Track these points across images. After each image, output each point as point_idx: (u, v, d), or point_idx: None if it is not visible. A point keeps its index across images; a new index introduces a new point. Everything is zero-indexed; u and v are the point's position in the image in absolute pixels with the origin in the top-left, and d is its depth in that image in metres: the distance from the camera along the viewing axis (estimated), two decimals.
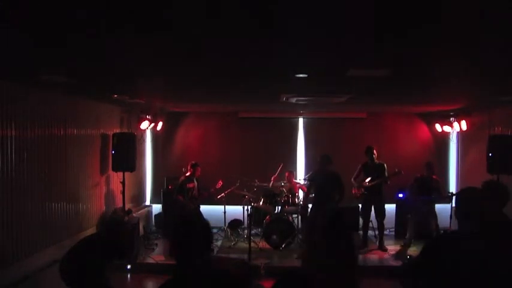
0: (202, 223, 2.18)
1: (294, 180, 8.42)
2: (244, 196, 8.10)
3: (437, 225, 7.16)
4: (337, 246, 3.06)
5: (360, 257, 7.36)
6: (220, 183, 7.84)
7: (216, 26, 2.58)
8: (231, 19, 2.42)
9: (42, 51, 3.32)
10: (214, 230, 8.61)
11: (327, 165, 7.17)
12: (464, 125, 8.08)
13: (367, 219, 7.77)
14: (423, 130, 9.47)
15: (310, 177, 7.58)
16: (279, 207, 8.00)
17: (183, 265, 2.08)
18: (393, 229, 8.61)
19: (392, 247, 7.73)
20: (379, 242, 7.69)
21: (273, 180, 8.25)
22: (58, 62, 3.77)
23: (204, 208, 7.95)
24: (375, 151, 7.65)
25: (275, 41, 2.94)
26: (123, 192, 7.17)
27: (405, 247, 7.44)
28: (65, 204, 5.86)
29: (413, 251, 7.21)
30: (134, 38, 2.88)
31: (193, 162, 7.71)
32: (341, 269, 2.88)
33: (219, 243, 8.12)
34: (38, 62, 3.76)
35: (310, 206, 7.59)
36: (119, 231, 4.23)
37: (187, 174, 7.59)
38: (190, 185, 7.55)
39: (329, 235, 3.20)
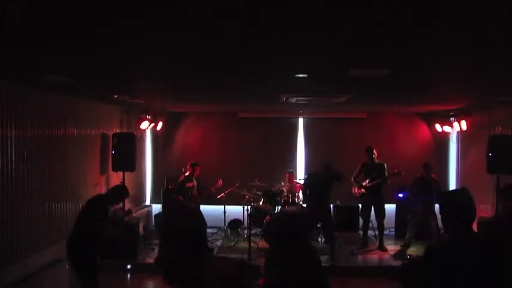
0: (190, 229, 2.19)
1: (294, 180, 8.43)
2: (244, 196, 8.10)
3: (437, 225, 7.15)
4: (289, 250, 2.96)
5: (360, 257, 7.38)
6: (220, 182, 7.85)
7: (216, 26, 2.58)
8: (232, 19, 2.43)
9: (42, 52, 3.32)
10: (214, 230, 8.63)
11: (326, 171, 7.17)
12: (464, 125, 8.08)
13: (367, 219, 7.78)
14: (423, 130, 9.47)
15: (306, 179, 7.62)
16: (279, 207, 8.00)
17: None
18: (393, 229, 8.62)
19: (392, 247, 7.73)
20: (379, 242, 7.69)
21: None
22: (58, 62, 3.77)
23: (204, 208, 7.94)
24: (374, 151, 7.66)
25: (275, 42, 2.94)
26: None
27: (405, 247, 7.44)
28: (65, 204, 5.87)
29: (413, 251, 7.22)
30: (134, 38, 2.88)
31: (192, 161, 7.74)
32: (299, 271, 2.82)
33: (219, 243, 8.13)
34: (38, 62, 3.76)
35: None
36: None
37: (187, 173, 7.61)
38: (190, 185, 7.56)
39: (280, 240, 3.05)
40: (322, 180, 7.11)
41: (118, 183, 6.58)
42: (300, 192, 8.17)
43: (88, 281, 4.56)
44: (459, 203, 2.42)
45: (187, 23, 2.49)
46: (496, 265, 2.26)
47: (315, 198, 7.16)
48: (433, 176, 7.57)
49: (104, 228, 4.66)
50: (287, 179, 8.38)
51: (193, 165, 7.62)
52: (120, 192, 5.07)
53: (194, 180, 7.65)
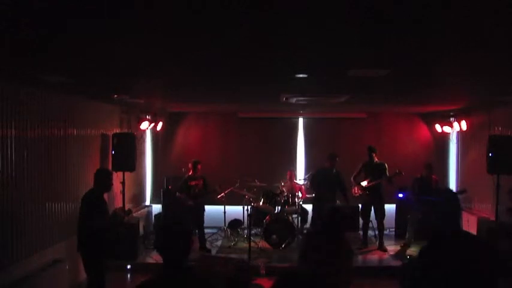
0: (181, 230, 2.25)
1: (294, 180, 8.43)
2: (244, 196, 8.10)
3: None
4: (331, 243, 3.14)
5: (360, 257, 7.38)
6: (223, 195, 7.99)
7: (217, 26, 2.58)
8: (232, 19, 2.43)
9: (42, 52, 3.31)
10: (214, 230, 8.63)
11: (334, 163, 7.45)
12: (464, 125, 8.08)
13: (367, 219, 7.78)
14: (423, 130, 9.48)
15: (315, 173, 7.73)
16: (279, 207, 8.00)
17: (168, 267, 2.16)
18: (393, 229, 8.62)
19: (392, 247, 7.74)
20: (379, 242, 7.69)
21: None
22: (58, 62, 3.77)
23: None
24: (375, 151, 7.66)
25: (275, 42, 2.94)
26: (123, 192, 7.18)
27: (405, 247, 7.45)
28: (65, 204, 5.86)
29: (413, 251, 7.22)
30: (134, 38, 2.88)
31: (194, 159, 7.78)
32: (335, 264, 2.94)
33: (219, 243, 8.13)
34: (38, 62, 3.76)
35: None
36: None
37: (190, 172, 7.67)
38: (193, 183, 7.60)
39: (327, 232, 3.31)
40: (334, 177, 7.19)
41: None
42: (299, 192, 8.14)
43: (93, 278, 4.60)
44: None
45: (186, 22, 2.50)
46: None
47: (324, 200, 7.18)
48: (433, 176, 7.58)
49: (103, 222, 4.63)
50: (288, 177, 8.37)
51: (194, 164, 7.68)
52: (101, 176, 4.90)
53: (199, 178, 7.68)
